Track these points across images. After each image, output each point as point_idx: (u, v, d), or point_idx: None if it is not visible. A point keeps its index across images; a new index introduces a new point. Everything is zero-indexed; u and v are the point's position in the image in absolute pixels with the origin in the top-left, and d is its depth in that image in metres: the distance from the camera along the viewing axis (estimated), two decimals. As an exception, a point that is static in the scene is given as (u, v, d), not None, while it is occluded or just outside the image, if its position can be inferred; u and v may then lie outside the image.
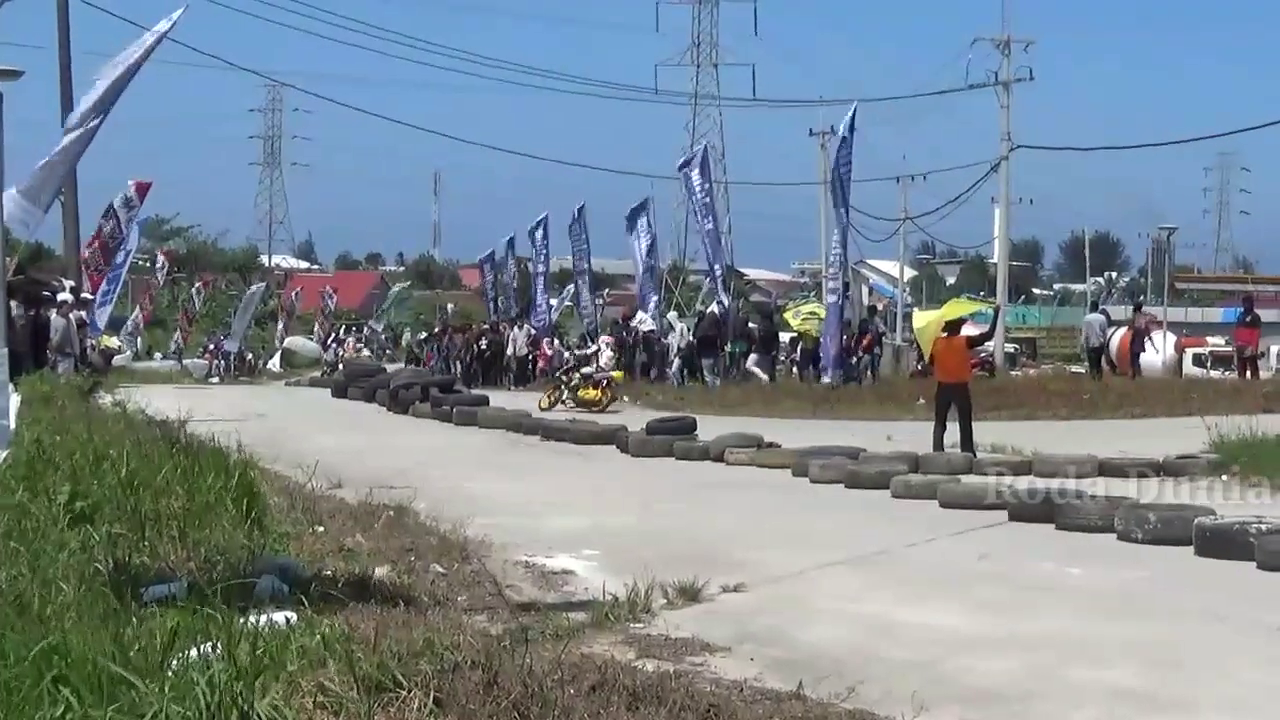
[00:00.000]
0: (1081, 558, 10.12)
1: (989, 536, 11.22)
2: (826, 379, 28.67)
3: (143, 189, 34.35)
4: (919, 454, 15.82)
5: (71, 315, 27.60)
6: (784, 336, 37.07)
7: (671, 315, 39.65)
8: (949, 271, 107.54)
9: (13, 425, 10.81)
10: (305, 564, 8.11)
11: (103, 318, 35.40)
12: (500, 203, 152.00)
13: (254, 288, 62.10)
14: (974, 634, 7.78)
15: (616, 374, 28.80)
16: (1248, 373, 29.83)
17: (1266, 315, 38.94)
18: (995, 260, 52.10)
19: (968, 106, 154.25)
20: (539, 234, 43.52)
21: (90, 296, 32.29)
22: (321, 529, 9.87)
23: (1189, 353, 40.29)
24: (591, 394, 26.65)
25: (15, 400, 11.47)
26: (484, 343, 39.72)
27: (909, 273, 78.67)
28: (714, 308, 34.69)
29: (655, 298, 37.03)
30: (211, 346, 54.37)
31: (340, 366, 44.41)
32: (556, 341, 41.83)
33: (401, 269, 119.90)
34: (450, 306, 72.87)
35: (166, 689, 4.74)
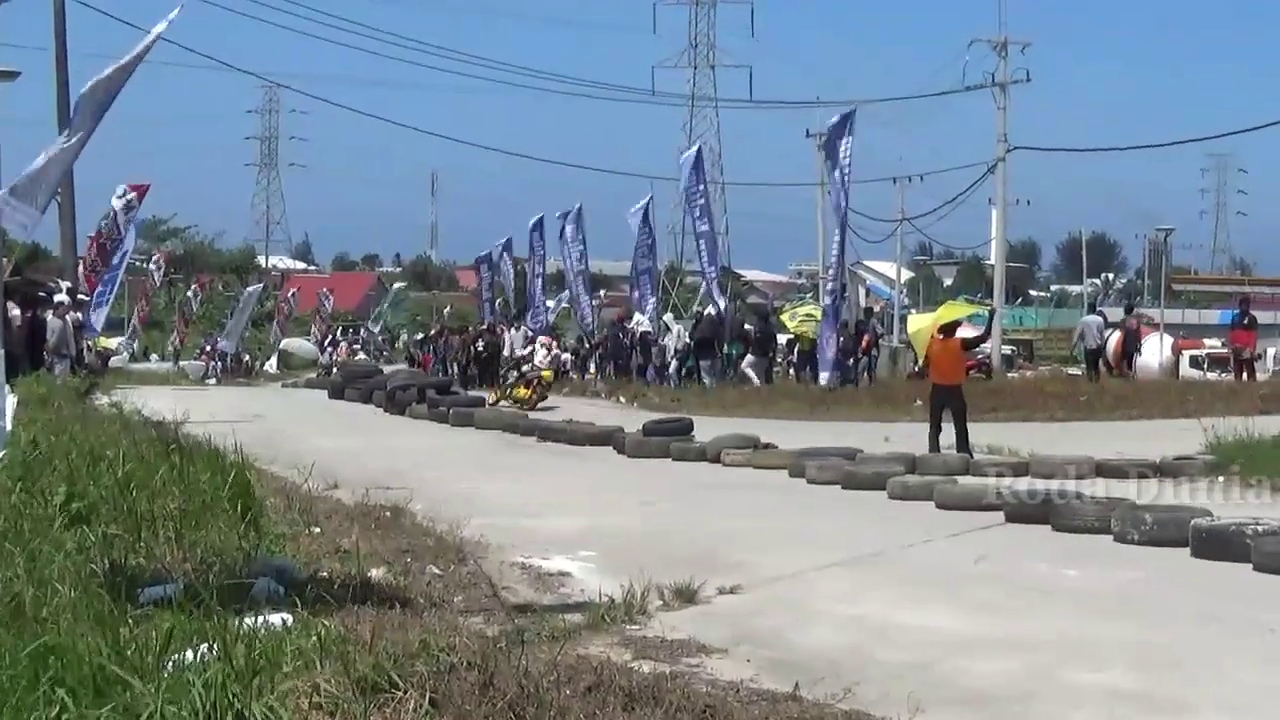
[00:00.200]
0: (1078, 559, 10.12)
1: (986, 538, 11.22)
2: (823, 380, 28.67)
3: (141, 191, 34.34)
4: (916, 455, 15.83)
5: (68, 316, 27.62)
6: (781, 338, 37.07)
7: (668, 317, 39.66)
8: (946, 273, 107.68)
9: (9, 426, 10.81)
10: (301, 565, 8.10)
11: (99, 319, 35.37)
12: (497, 204, 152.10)
13: (251, 289, 62.12)
14: (971, 635, 7.78)
15: (546, 373, 29.96)
16: (1244, 374, 29.84)
17: (1263, 317, 38.95)
18: (992, 261, 52.09)
19: (965, 108, 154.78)
20: (536, 235, 43.54)
21: (86, 297, 32.29)
22: (318, 530, 9.86)
23: (1186, 354, 40.30)
24: (522, 392, 27.86)
25: (12, 401, 11.47)
26: (481, 344, 39.70)
27: (906, 274, 78.87)
28: (711, 309, 34.74)
29: (653, 299, 37.06)
30: (208, 348, 54.35)
31: (334, 370, 44.40)
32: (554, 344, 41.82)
33: (398, 270, 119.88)
34: (447, 308, 72.91)
35: (162, 690, 4.74)
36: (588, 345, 41.27)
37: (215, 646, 5.13)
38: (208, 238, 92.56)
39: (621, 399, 29.60)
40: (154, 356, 56.58)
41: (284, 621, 5.79)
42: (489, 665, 5.27)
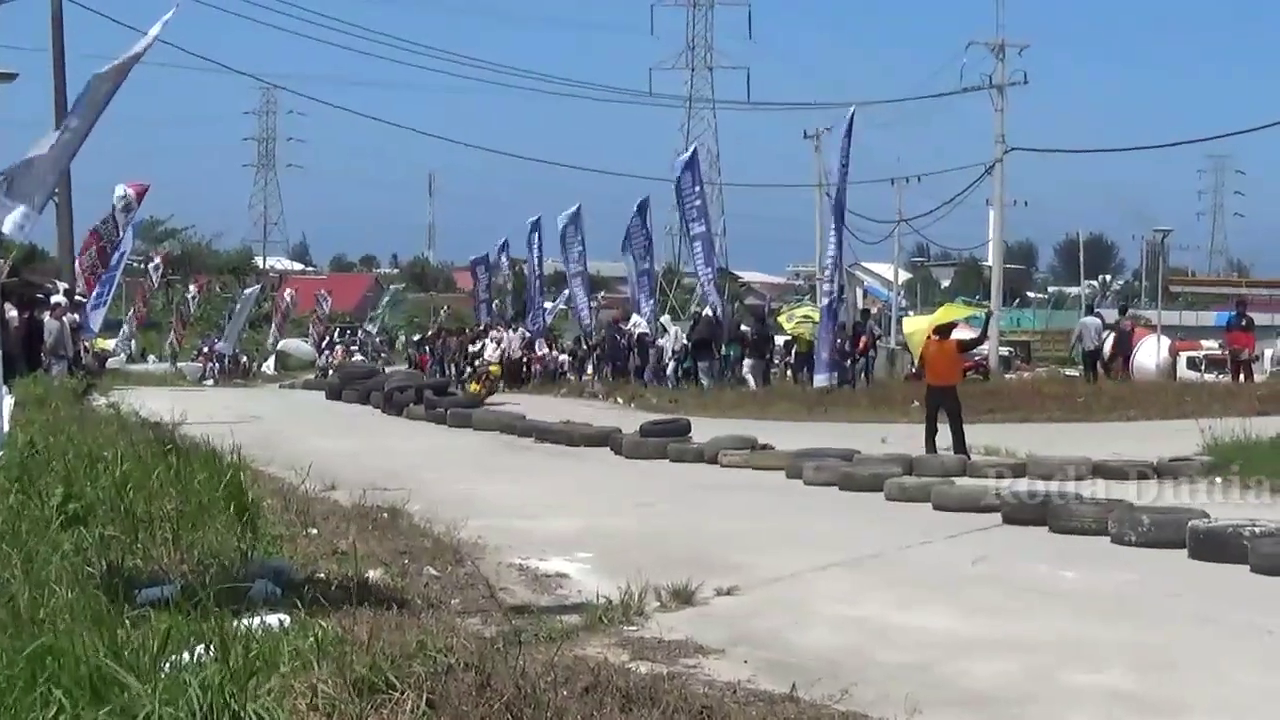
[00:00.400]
0: (1075, 560, 10.12)
1: (983, 539, 11.23)
2: (818, 381, 28.65)
3: (140, 191, 34.33)
4: (913, 456, 15.84)
5: (65, 318, 27.62)
6: (778, 339, 37.09)
7: (665, 318, 39.66)
8: (943, 274, 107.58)
9: (6, 427, 10.79)
10: (299, 566, 8.10)
11: (97, 320, 35.37)
12: (495, 205, 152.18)
13: (248, 290, 62.06)
14: (968, 636, 7.79)
15: (494, 368, 32.76)
16: (1241, 376, 29.86)
17: (1261, 318, 38.98)
18: (990, 263, 52.11)
19: (962, 109, 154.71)
20: (534, 236, 43.53)
21: (83, 298, 32.29)
22: (315, 531, 9.85)
23: (1183, 356, 40.28)
24: (474, 387, 29.91)
25: (9, 402, 11.45)
26: (478, 345, 39.67)
27: (903, 275, 78.86)
28: (708, 310, 34.73)
29: (650, 301, 37.05)
30: (206, 349, 54.26)
31: (328, 373, 44.37)
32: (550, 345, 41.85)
33: (396, 271, 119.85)
34: (444, 310, 72.87)
35: (159, 691, 4.73)
36: (585, 346, 41.26)
37: (212, 647, 5.13)
38: (205, 239, 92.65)
39: (619, 400, 29.59)
40: (151, 357, 56.50)
41: (281, 622, 5.79)
42: (486, 666, 5.27)
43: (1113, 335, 32.55)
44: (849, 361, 31.22)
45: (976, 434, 17.22)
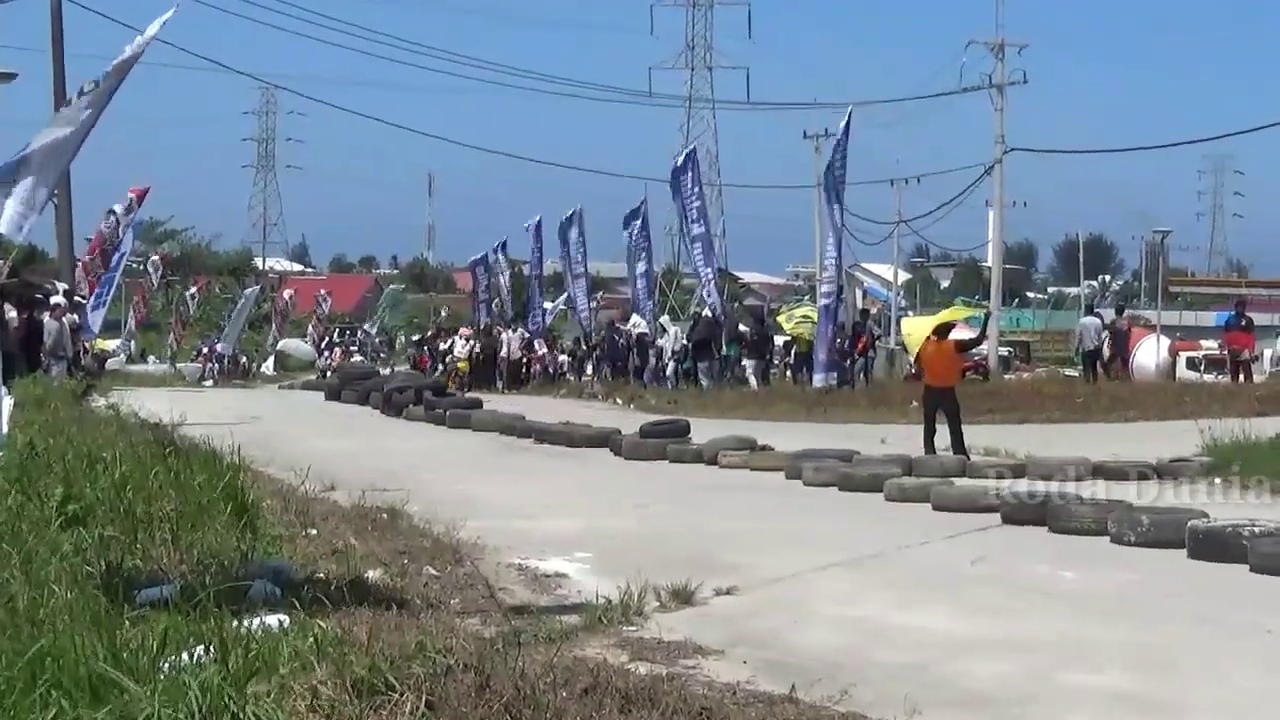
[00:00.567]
0: (1075, 560, 10.12)
1: (982, 539, 11.23)
2: (816, 382, 28.66)
3: (140, 193, 34.37)
4: (912, 457, 15.84)
5: (64, 318, 27.62)
6: (778, 339, 37.10)
7: (665, 319, 39.65)
8: (943, 274, 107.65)
9: (6, 428, 10.78)
10: (298, 567, 8.10)
11: (96, 321, 35.38)
12: (494, 205, 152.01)
13: (248, 290, 62.06)
14: (967, 637, 7.79)
15: (462, 364, 34.50)
16: (1241, 376, 29.86)
17: (1260, 319, 38.94)
18: (989, 263, 52.11)
19: (962, 109, 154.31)
20: (534, 237, 43.52)
21: (83, 299, 32.29)
22: (314, 532, 9.85)
23: (1182, 356, 40.27)
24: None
25: (9, 403, 11.44)
26: (477, 346, 39.70)
27: (903, 276, 78.88)
28: (708, 311, 34.73)
29: (650, 301, 37.05)
30: (205, 349, 54.26)
31: (327, 374, 44.36)
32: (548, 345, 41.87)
33: (395, 272, 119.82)
34: (443, 310, 72.86)
35: (158, 692, 4.73)
36: (585, 347, 41.27)
37: (211, 648, 5.13)
38: (205, 240, 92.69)
39: (618, 401, 29.60)
40: (151, 358, 56.50)
41: (280, 623, 5.79)
42: (485, 667, 5.27)
43: (1109, 335, 32.56)
44: (848, 362, 31.23)
45: (976, 434, 17.22)
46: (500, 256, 48.76)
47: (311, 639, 5.41)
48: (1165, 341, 39.72)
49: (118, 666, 4.96)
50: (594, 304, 46.44)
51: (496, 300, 48.35)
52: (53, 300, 28.85)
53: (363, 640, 5.38)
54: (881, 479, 14.01)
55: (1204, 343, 44.57)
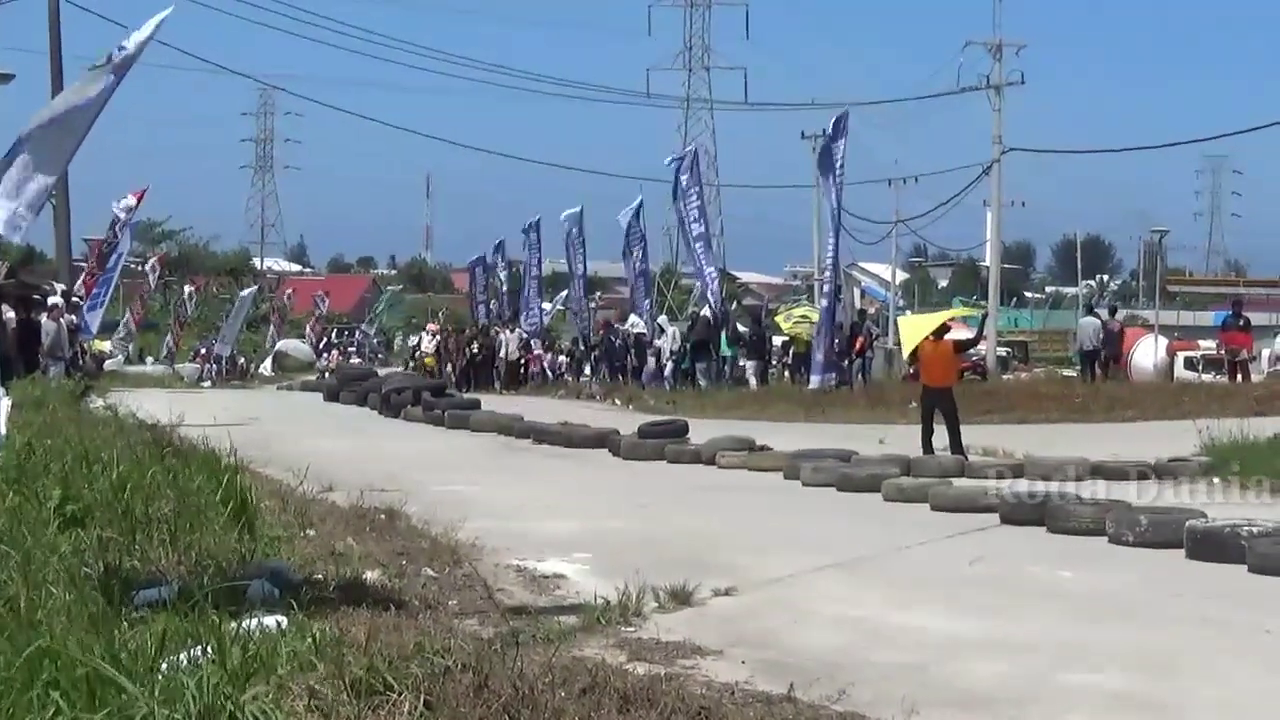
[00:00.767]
0: (1073, 560, 10.12)
1: (980, 539, 11.23)
2: (813, 382, 28.65)
3: (139, 195, 34.39)
4: (911, 457, 15.86)
5: (62, 319, 27.61)
6: (776, 340, 37.11)
7: (662, 319, 39.67)
8: (941, 274, 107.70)
9: (4, 429, 10.77)
10: (296, 568, 8.09)
11: (94, 321, 35.37)
12: (492, 206, 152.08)
13: (246, 291, 62.00)
14: (966, 637, 7.79)
15: (429, 359, 37.08)
16: (1238, 376, 29.86)
17: (1258, 318, 38.96)
18: (987, 263, 52.13)
19: (960, 110, 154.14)
20: (532, 237, 43.51)
21: (80, 300, 32.29)
22: (313, 532, 9.85)
23: (1180, 356, 40.27)
24: None
25: (6, 404, 11.43)
26: (476, 346, 39.73)
27: (901, 276, 78.80)
28: (706, 311, 34.73)
29: (647, 301, 37.05)
30: (203, 350, 54.23)
31: (326, 375, 44.36)
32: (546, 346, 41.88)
33: (394, 272, 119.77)
34: (442, 311, 72.85)
35: (156, 692, 4.73)
36: (583, 347, 41.27)
37: (209, 649, 5.12)
38: (203, 240, 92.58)
39: (616, 401, 29.61)
40: (149, 359, 56.44)
41: (278, 624, 5.78)
42: (484, 667, 5.26)
43: (1102, 335, 32.58)
44: (846, 362, 31.23)
45: (974, 434, 17.23)
46: (498, 257, 48.80)
47: (309, 639, 5.41)
48: (1163, 341, 39.72)
49: (116, 667, 4.96)
50: (592, 304, 46.43)
51: (494, 301, 48.39)
52: (50, 301, 28.84)
53: (361, 641, 5.38)
54: (880, 479, 14.01)
55: (1202, 343, 44.58)
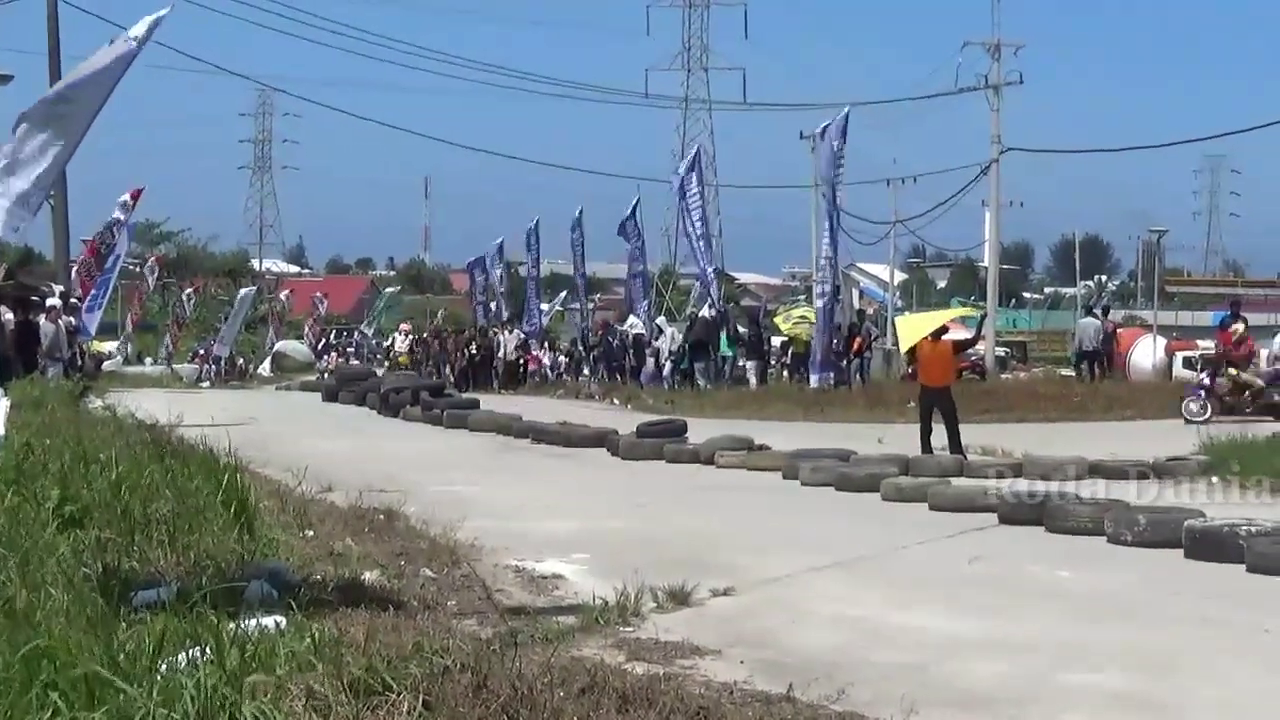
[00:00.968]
0: (1071, 560, 10.12)
1: (979, 539, 11.23)
2: (812, 382, 28.65)
3: (135, 195, 34.32)
4: (909, 457, 15.85)
5: (61, 320, 27.58)
6: (775, 340, 37.12)
7: (661, 319, 39.66)
8: (939, 275, 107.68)
9: (3, 430, 10.76)
10: (295, 568, 8.09)
11: (93, 322, 35.32)
12: (491, 206, 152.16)
13: (244, 292, 61.99)
14: (965, 636, 7.79)
15: (403, 358, 38.17)
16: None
17: (1256, 318, 38.93)
18: (986, 263, 52.11)
19: (958, 110, 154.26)
20: (531, 238, 43.53)
21: (78, 301, 32.25)
22: (311, 533, 9.84)
23: (1179, 356, 40.26)
24: None
25: (5, 405, 11.43)
26: (474, 347, 39.73)
27: (899, 276, 78.80)
28: (705, 311, 34.73)
29: (645, 302, 37.05)
30: (202, 351, 54.24)
31: (324, 376, 44.37)
32: (547, 346, 41.85)
33: (392, 273, 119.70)
34: (440, 312, 72.86)
35: (155, 693, 4.72)
36: (582, 348, 41.28)
37: (208, 649, 5.12)
38: (201, 241, 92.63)
39: (615, 401, 29.61)
40: (148, 360, 56.44)
41: (277, 624, 5.77)
42: (483, 667, 5.26)
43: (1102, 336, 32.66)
44: (844, 362, 31.24)
45: (973, 434, 17.23)
46: (497, 258, 48.81)
47: (308, 640, 5.40)
48: (1161, 341, 39.72)
49: (114, 668, 4.95)
50: (590, 305, 46.45)
51: (493, 301, 48.39)
52: (49, 302, 28.81)
53: (359, 641, 5.38)
54: (878, 479, 14.01)
55: (1200, 342, 44.57)
